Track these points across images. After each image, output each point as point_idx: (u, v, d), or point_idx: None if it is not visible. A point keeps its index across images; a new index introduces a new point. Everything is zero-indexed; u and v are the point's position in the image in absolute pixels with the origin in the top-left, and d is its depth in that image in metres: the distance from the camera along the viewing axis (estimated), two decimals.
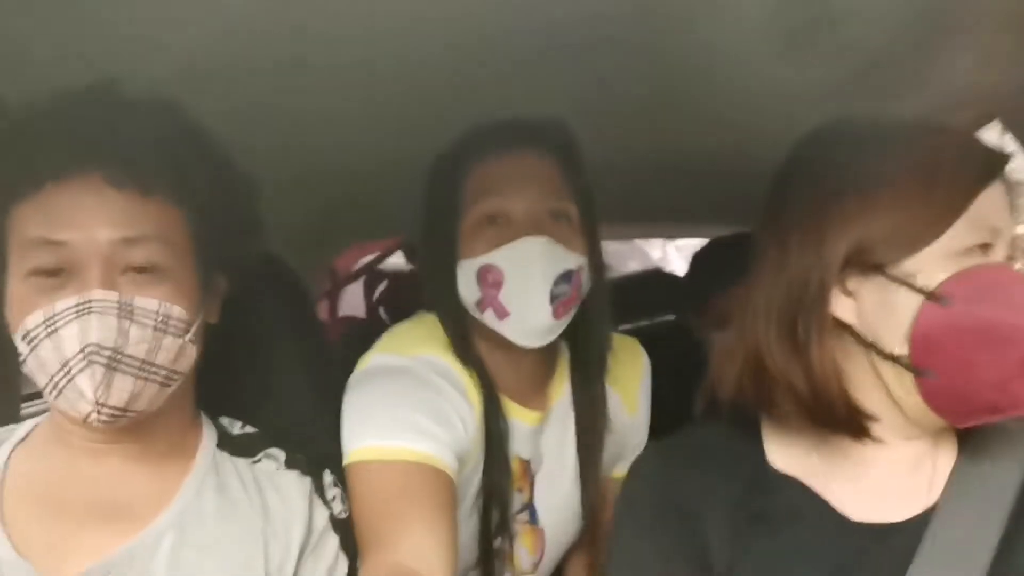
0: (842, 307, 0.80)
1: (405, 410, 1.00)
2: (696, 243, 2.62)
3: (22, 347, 0.79)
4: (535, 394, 1.19)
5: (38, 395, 1.30)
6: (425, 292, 1.17)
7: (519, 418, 1.16)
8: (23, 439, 0.90)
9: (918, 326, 0.76)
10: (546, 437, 1.21)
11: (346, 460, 0.99)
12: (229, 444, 0.94)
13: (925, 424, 0.80)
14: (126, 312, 0.79)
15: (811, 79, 1.09)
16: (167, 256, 0.82)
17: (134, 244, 0.80)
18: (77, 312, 0.77)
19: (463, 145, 1.13)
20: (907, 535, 0.79)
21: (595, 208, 1.15)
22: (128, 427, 0.83)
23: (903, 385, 0.78)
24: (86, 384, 0.77)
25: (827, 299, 0.79)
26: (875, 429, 0.81)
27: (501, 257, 1.06)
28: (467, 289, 1.10)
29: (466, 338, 1.13)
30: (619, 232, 2.40)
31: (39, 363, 0.79)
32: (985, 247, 0.76)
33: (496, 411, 1.11)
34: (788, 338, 0.81)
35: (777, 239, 0.82)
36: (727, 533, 0.82)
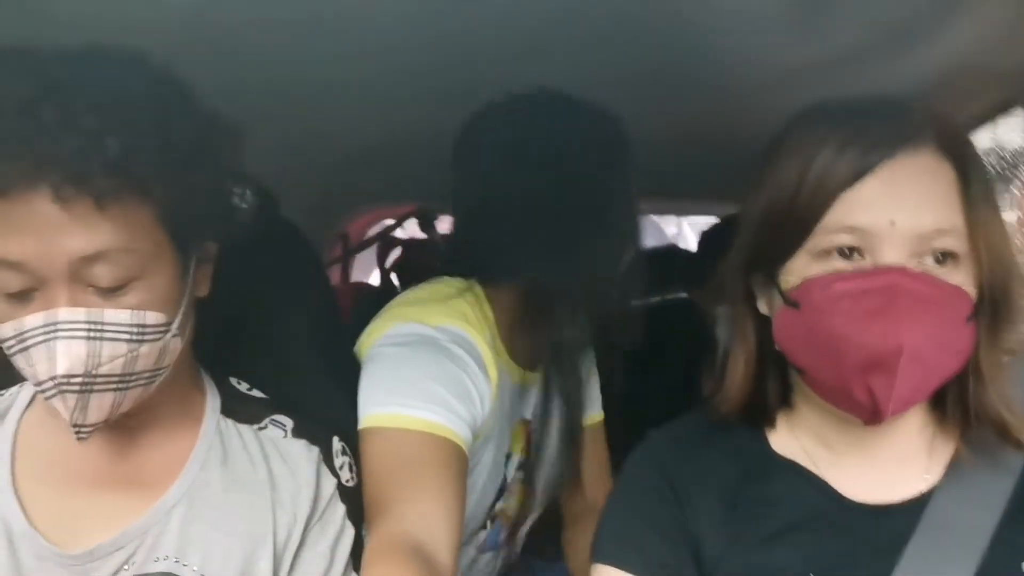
0: (761, 300, 0.83)
1: (427, 381, 1.00)
2: (711, 221, 2.61)
3: (3, 347, 0.76)
4: (531, 354, 1.20)
5: None
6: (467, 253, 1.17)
7: (521, 380, 1.18)
8: (29, 404, 0.89)
9: (776, 327, 0.80)
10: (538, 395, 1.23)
11: (363, 423, 0.99)
12: (234, 411, 0.93)
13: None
14: (96, 331, 0.73)
15: (821, 58, 1.09)
16: (135, 264, 0.75)
17: (96, 260, 0.73)
18: (44, 334, 0.72)
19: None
20: (905, 515, 0.79)
21: None
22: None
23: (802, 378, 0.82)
24: (62, 408, 0.74)
25: (743, 287, 0.83)
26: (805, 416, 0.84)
27: None
28: None
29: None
30: None
31: (20, 368, 0.76)
32: (850, 250, 0.74)
33: (505, 379, 1.12)
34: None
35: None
36: (719, 518, 0.83)
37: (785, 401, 0.87)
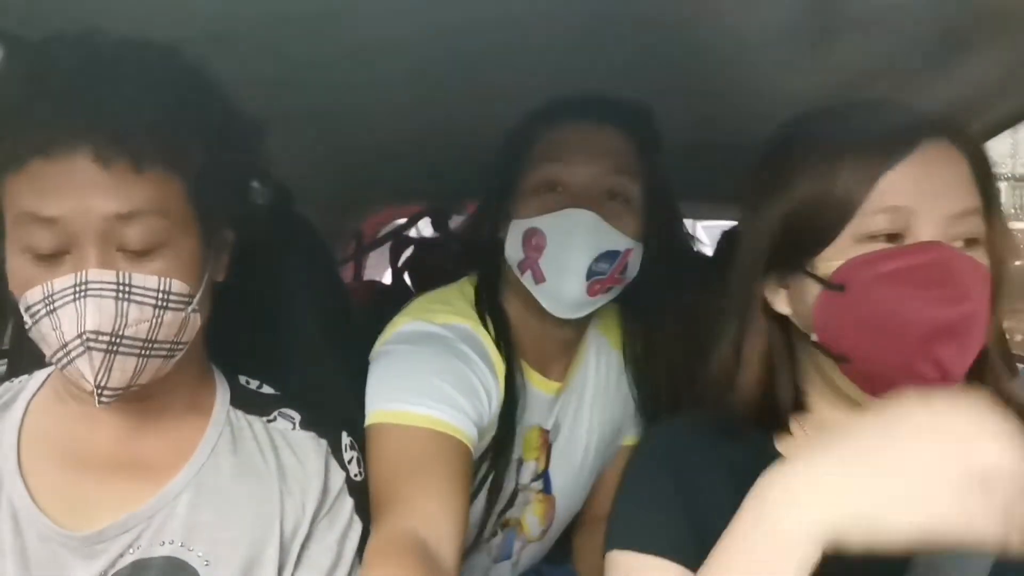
0: (779, 299, 0.82)
1: (432, 378, 1.00)
2: (725, 224, 2.59)
3: (25, 317, 0.77)
4: (557, 364, 1.19)
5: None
6: (468, 250, 1.17)
7: (540, 387, 1.16)
8: (39, 389, 0.89)
9: (817, 313, 0.78)
10: (564, 407, 1.21)
11: (369, 420, 0.99)
12: (243, 402, 0.94)
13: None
14: (124, 292, 0.76)
15: (834, 66, 1.09)
16: (165, 229, 0.78)
17: (129, 220, 0.76)
18: (74, 294, 0.74)
19: (541, 109, 1.13)
20: None
21: (666, 194, 1.16)
22: (140, 389, 0.82)
23: (834, 371, 0.80)
24: (85, 369, 0.75)
25: (755, 289, 0.82)
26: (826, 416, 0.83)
27: (547, 223, 1.07)
28: (513, 249, 1.11)
29: (496, 302, 1.14)
30: None
31: (41, 336, 0.77)
32: (890, 234, 0.75)
33: (516, 378, 1.11)
34: (730, 326, 0.85)
35: (739, 227, 0.86)
36: (725, 506, 0.81)
37: (796, 404, 0.86)
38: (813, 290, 0.78)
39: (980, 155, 0.78)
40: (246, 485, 0.87)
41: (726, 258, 0.86)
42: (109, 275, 0.75)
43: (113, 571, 0.81)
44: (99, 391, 0.76)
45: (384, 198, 2.47)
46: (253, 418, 0.92)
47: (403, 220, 2.56)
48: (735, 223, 2.23)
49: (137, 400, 0.84)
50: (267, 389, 0.97)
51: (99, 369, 0.75)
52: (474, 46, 1.05)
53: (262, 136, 0.88)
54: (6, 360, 1.31)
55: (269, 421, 0.93)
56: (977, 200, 0.76)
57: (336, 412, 0.98)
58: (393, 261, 2.56)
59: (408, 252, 2.54)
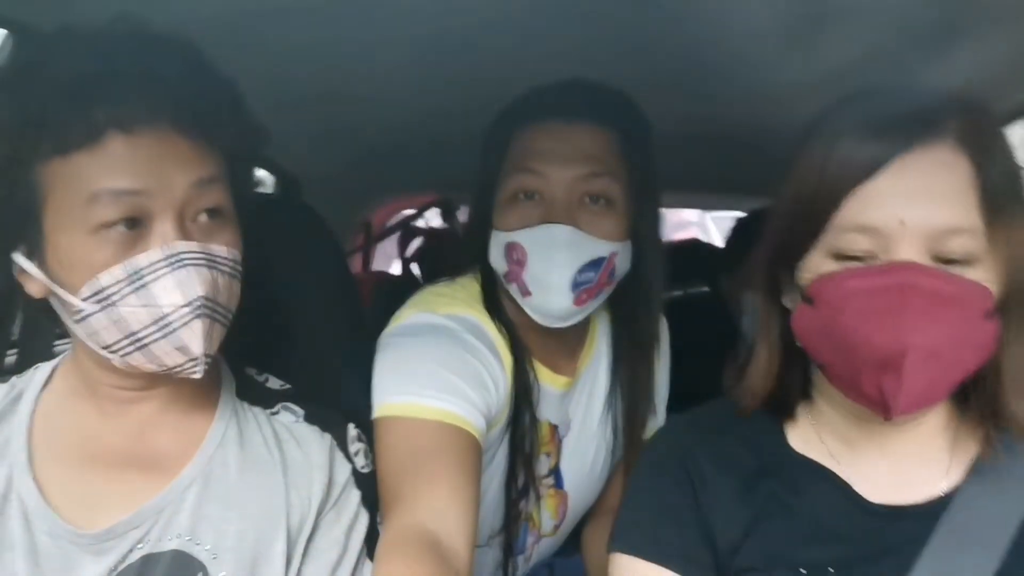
0: (787, 299, 0.82)
1: (439, 369, 0.99)
2: (734, 215, 2.59)
3: (86, 306, 0.76)
4: (564, 360, 1.18)
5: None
6: (466, 250, 1.16)
7: (548, 382, 1.15)
8: (46, 384, 0.89)
9: (794, 322, 0.79)
10: (574, 403, 1.20)
11: (376, 414, 0.98)
12: (247, 394, 0.94)
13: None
14: (211, 261, 0.78)
15: (840, 56, 1.08)
16: (227, 198, 0.81)
17: (206, 186, 0.78)
18: (169, 265, 0.75)
19: (511, 108, 1.10)
20: (923, 517, 0.78)
21: (653, 188, 1.12)
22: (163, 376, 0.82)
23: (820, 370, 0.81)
24: (191, 337, 0.76)
25: (767, 281, 0.82)
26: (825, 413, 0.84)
27: (525, 238, 1.04)
28: (497, 260, 1.09)
29: (498, 300, 1.13)
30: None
31: (113, 320, 0.76)
32: (863, 252, 0.72)
33: (525, 368, 1.10)
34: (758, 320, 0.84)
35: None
36: (735, 499, 0.82)
37: (805, 395, 0.86)
38: (796, 297, 0.78)
39: (992, 156, 0.72)
40: (253, 478, 0.87)
41: (741, 248, 0.86)
42: (194, 245, 0.77)
43: (123, 566, 0.81)
44: (203, 359, 0.78)
45: (393, 189, 2.47)
46: (257, 410, 0.93)
47: (412, 211, 2.56)
48: (745, 214, 2.23)
49: (153, 389, 0.85)
50: (273, 382, 0.97)
51: (204, 336, 0.77)
52: (485, 40, 1.05)
53: (264, 130, 0.88)
54: (16, 351, 1.31)
55: (273, 414, 0.93)
56: (972, 212, 0.70)
57: (342, 404, 0.98)
58: (401, 252, 2.56)
59: (417, 243, 2.54)
